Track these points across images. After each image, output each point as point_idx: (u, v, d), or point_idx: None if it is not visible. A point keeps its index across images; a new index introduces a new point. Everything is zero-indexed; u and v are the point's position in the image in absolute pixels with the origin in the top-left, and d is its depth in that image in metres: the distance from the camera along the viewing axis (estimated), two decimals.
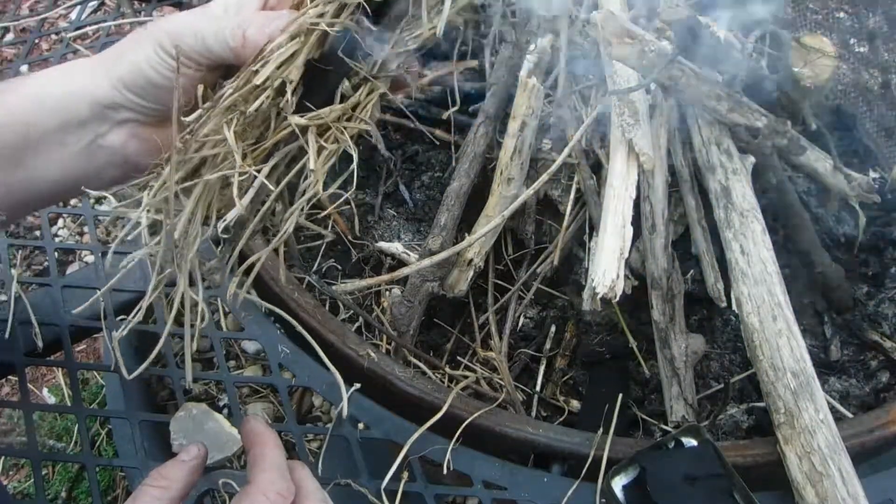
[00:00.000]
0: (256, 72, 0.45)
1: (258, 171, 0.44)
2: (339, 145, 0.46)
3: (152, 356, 0.57)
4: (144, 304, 0.52)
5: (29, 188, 0.55)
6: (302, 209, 0.46)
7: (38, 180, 0.55)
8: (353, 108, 0.46)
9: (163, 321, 0.83)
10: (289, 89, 0.44)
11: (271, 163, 0.45)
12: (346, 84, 0.46)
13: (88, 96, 0.52)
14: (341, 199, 0.53)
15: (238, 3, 0.51)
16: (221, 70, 0.51)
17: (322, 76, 0.45)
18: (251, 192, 0.44)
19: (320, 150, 0.45)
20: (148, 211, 0.47)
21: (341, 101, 0.46)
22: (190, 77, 0.49)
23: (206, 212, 0.47)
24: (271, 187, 0.45)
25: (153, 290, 0.50)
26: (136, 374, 0.58)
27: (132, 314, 0.53)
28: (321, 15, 0.44)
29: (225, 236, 0.47)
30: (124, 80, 0.51)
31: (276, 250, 0.51)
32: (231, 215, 0.45)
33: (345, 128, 0.46)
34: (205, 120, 0.46)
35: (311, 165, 0.45)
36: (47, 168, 0.54)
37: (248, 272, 0.50)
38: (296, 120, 0.44)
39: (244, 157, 0.44)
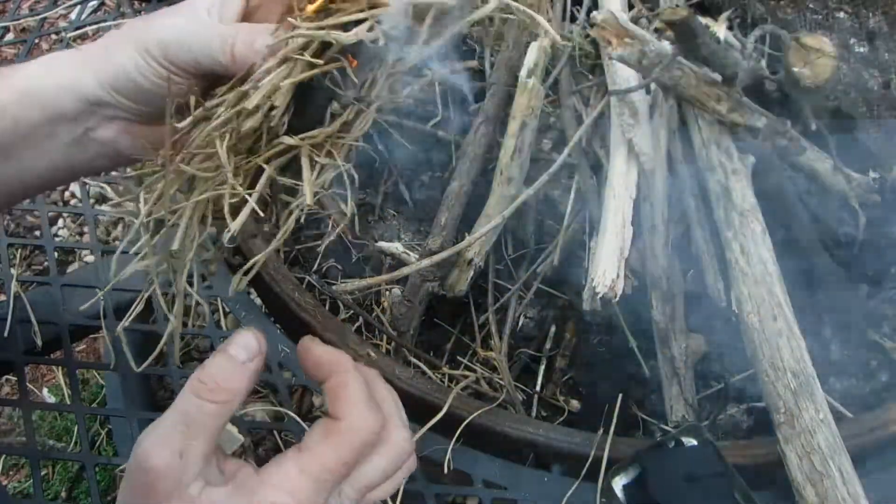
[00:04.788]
0: (246, 93, 0.45)
1: (249, 193, 0.45)
2: (331, 160, 0.47)
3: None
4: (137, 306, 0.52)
5: (20, 178, 0.54)
6: (297, 220, 0.48)
7: (29, 170, 0.54)
8: (343, 126, 0.47)
9: (163, 320, 0.83)
10: (277, 112, 0.45)
11: (263, 180, 0.46)
12: (334, 105, 0.47)
13: (75, 92, 0.51)
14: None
15: (222, 1, 0.50)
16: (210, 77, 0.50)
17: (311, 98, 0.46)
18: (244, 215, 0.45)
19: (314, 165, 0.47)
20: (147, 219, 0.48)
21: (331, 120, 0.47)
22: (179, 84, 0.49)
23: (201, 214, 0.48)
24: (260, 213, 0.46)
25: (147, 292, 0.51)
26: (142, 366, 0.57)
27: (129, 311, 0.53)
28: (306, 46, 0.44)
29: (230, 245, 0.48)
30: (112, 84, 0.50)
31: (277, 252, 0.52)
32: (226, 238, 0.46)
33: (336, 143, 0.47)
34: (197, 132, 0.47)
35: (305, 185, 0.46)
36: (38, 159, 0.53)
37: (247, 272, 0.51)
38: (287, 140, 0.45)
39: (236, 171, 0.45)
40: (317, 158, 0.46)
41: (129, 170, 0.54)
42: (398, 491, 0.69)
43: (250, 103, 0.44)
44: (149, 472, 0.42)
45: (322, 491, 0.45)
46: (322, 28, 0.43)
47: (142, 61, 0.49)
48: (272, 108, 0.45)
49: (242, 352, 0.45)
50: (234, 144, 0.45)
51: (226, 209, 0.45)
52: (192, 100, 0.48)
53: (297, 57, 0.44)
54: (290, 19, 0.44)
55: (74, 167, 0.55)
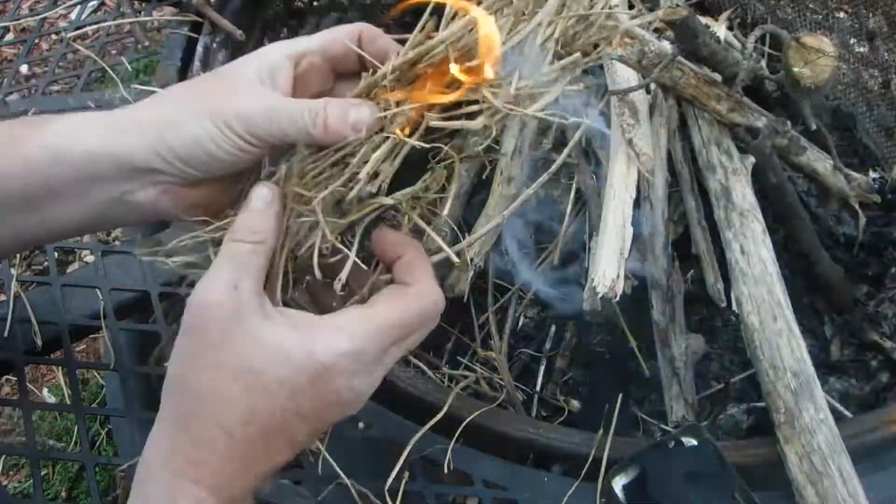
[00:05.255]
0: (346, 163, 0.49)
1: (347, 246, 0.50)
2: (420, 210, 0.53)
3: None
4: None
5: (45, 229, 0.54)
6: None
7: (54, 223, 0.54)
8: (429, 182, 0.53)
9: (163, 321, 0.83)
10: (379, 182, 0.49)
11: (358, 237, 0.51)
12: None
13: (118, 157, 0.51)
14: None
15: (269, 70, 0.52)
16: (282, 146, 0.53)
17: (411, 166, 0.51)
18: (346, 271, 0.49)
19: (410, 220, 0.53)
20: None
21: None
22: (254, 153, 0.50)
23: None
24: (364, 267, 0.51)
25: None
26: None
27: None
28: (410, 132, 0.49)
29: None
30: (179, 153, 0.50)
31: None
32: (338, 302, 0.51)
33: (426, 198, 0.53)
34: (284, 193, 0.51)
35: (434, 237, 0.52)
36: (66, 214, 0.53)
37: None
38: (386, 201, 0.50)
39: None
40: (412, 215, 0.52)
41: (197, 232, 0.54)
42: (399, 490, 0.69)
43: (363, 174, 0.48)
44: (207, 307, 0.45)
45: (378, 344, 0.47)
46: (452, 118, 0.48)
47: (218, 132, 0.49)
48: (375, 175, 0.49)
49: (260, 202, 0.49)
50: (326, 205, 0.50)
51: (315, 264, 0.49)
52: (283, 170, 0.51)
53: (408, 140, 0.48)
54: (427, 113, 0.49)
55: (103, 222, 0.56)
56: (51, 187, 0.52)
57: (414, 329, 0.50)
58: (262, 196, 0.49)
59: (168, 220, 0.56)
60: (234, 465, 0.45)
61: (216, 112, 0.49)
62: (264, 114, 0.49)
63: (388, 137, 0.48)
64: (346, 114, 0.49)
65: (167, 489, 0.45)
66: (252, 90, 0.51)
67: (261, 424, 0.45)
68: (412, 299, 0.49)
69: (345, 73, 0.55)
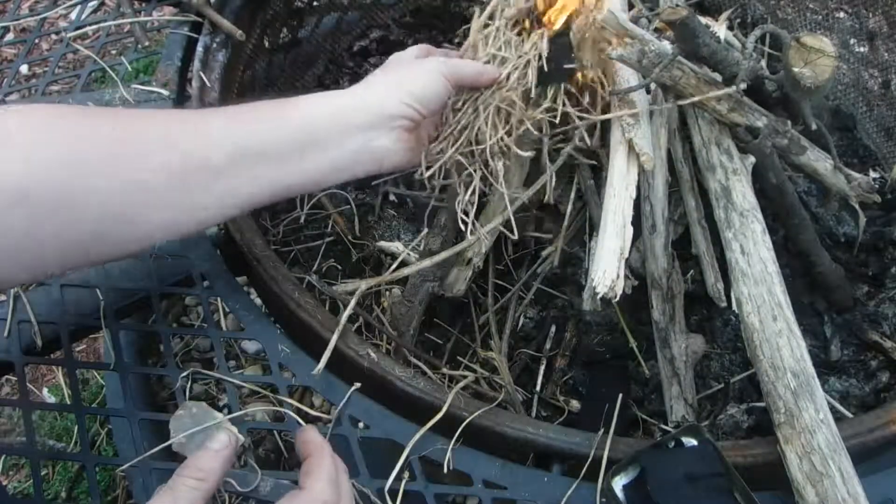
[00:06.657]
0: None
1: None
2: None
3: None
4: None
5: (304, 177, 0.68)
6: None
7: (313, 170, 0.68)
8: None
9: (162, 321, 0.83)
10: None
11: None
12: None
13: (379, 108, 0.71)
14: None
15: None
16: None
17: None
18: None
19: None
20: None
21: None
22: (451, 93, 0.76)
23: None
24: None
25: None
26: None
27: None
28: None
29: None
30: (417, 95, 0.72)
31: None
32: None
33: None
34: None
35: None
36: (326, 160, 0.69)
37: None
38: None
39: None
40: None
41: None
42: (399, 490, 0.69)
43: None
44: None
45: None
46: None
47: (435, 77, 0.74)
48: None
49: (216, 443, 0.58)
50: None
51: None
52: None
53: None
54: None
55: (341, 172, 0.70)
56: (316, 138, 0.68)
57: None
58: (219, 440, 0.58)
59: (389, 168, 0.74)
60: None
61: (434, 64, 0.75)
62: (462, 63, 0.78)
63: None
64: (489, 68, 0.80)
65: None
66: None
67: None
68: (306, 501, 0.56)
69: None
